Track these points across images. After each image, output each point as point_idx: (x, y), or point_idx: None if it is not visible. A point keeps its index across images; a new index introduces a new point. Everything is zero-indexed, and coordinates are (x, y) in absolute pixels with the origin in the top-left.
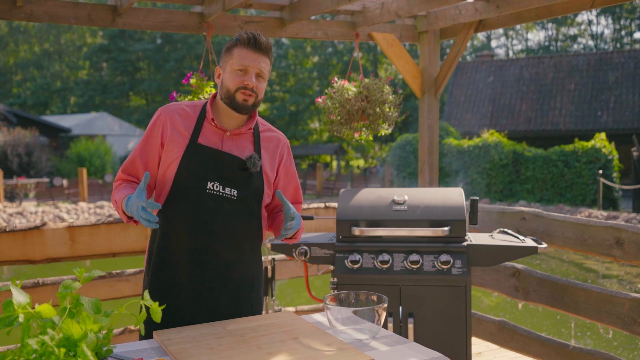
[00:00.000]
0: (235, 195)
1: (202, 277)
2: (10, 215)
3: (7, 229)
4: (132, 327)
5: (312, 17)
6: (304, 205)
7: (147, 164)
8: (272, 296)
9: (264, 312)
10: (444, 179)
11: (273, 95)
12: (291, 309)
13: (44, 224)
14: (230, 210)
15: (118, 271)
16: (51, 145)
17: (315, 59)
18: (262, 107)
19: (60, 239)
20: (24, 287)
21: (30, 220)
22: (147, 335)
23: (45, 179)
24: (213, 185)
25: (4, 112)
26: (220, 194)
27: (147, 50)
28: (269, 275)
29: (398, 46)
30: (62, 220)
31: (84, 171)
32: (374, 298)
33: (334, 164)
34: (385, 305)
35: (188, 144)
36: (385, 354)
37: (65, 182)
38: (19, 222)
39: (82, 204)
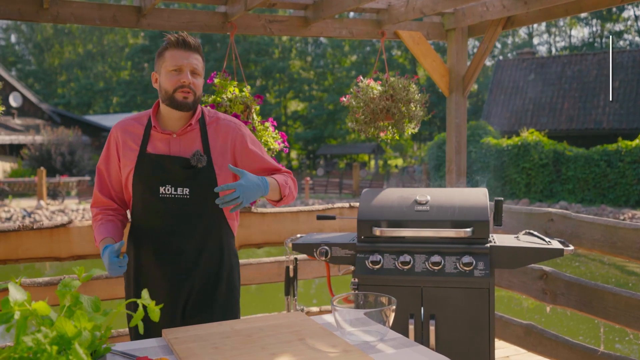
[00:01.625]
0: (188, 194)
1: (172, 278)
2: (53, 212)
3: (34, 227)
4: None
5: (337, 16)
6: (329, 205)
7: (112, 181)
8: (294, 296)
9: (285, 311)
10: (481, 178)
11: (311, 94)
12: (315, 309)
13: (69, 222)
14: (185, 209)
15: None
16: (93, 144)
17: (354, 57)
18: (300, 106)
19: (85, 237)
20: (51, 284)
21: (71, 217)
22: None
23: (87, 178)
24: (165, 189)
25: (48, 112)
26: (173, 195)
27: None
28: (291, 275)
29: (425, 44)
30: None
31: None
32: (383, 300)
33: (372, 163)
34: (394, 307)
35: (138, 155)
36: (390, 357)
37: None
38: (61, 219)
39: None
